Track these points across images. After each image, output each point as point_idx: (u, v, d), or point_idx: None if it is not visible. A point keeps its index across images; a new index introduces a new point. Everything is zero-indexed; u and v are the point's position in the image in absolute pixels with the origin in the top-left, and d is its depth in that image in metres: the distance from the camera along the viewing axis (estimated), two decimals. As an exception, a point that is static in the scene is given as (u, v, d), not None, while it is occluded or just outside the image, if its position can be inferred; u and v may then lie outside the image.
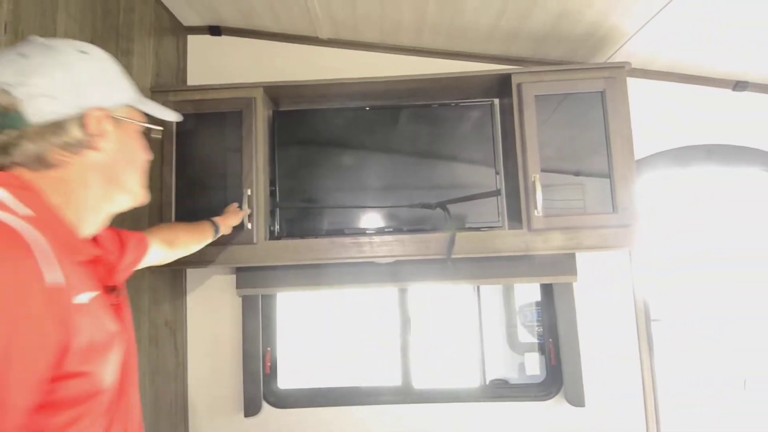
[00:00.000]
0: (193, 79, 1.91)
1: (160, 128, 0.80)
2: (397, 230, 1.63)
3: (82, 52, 0.66)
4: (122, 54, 1.46)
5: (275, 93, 1.73)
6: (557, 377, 1.75)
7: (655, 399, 1.73)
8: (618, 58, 1.72)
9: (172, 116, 0.80)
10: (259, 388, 1.73)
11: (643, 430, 1.71)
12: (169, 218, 1.60)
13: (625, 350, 1.75)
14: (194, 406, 1.76)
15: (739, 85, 1.78)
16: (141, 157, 0.75)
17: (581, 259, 1.74)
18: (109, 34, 1.40)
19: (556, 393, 1.74)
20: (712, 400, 1.91)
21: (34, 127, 0.59)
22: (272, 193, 1.69)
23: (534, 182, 1.56)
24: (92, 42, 1.28)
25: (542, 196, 1.59)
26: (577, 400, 1.67)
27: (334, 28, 1.79)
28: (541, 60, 1.83)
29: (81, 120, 0.63)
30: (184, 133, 1.82)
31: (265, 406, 1.77)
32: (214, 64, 1.92)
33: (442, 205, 1.63)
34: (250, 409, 1.72)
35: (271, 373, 1.82)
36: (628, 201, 1.52)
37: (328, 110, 1.74)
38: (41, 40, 0.64)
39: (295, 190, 1.69)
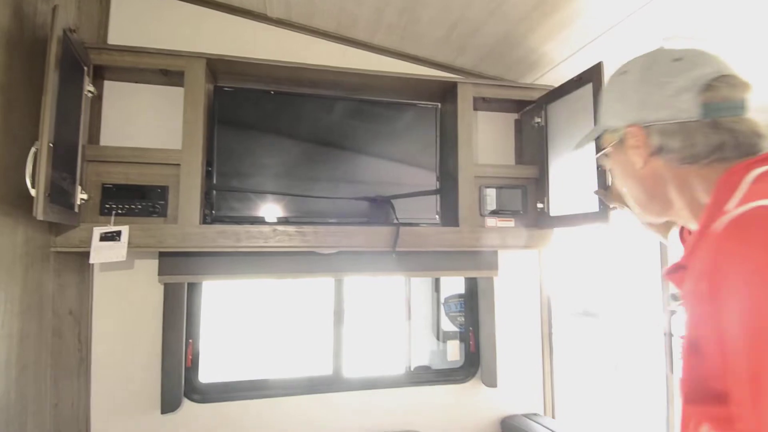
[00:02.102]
0: (115, 38, 1.69)
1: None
2: (344, 222, 1.64)
3: None
4: (43, 0, 1.24)
5: (217, 66, 1.62)
6: (475, 362, 1.93)
7: (552, 379, 2.00)
8: (543, 82, 1.93)
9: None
10: (180, 382, 1.61)
11: (541, 405, 1.97)
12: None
13: (530, 338, 1.99)
14: (99, 404, 1.57)
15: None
16: None
17: (501, 255, 1.93)
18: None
19: (473, 376, 1.91)
20: (593, 379, 2.29)
21: None
22: (208, 175, 1.58)
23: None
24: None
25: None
26: (490, 381, 1.86)
27: (287, 9, 1.73)
28: (480, 74, 1.98)
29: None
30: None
31: (185, 401, 1.65)
32: (140, 25, 1.71)
33: (388, 200, 1.68)
34: (169, 405, 1.59)
35: (193, 366, 1.71)
36: (546, 207, 1.73)
37: (276, 93, 1.67)
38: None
39: (234, 174, 1.60)
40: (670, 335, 2.14)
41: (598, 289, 2.49)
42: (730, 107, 0.62)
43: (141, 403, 1.60)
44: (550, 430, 1.72)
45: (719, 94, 0.62)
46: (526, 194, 1.81)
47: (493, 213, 1.78)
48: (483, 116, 2.00)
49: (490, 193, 1.78)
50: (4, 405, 1.11)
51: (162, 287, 1.63)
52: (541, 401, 1.97)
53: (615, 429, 2.46)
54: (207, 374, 1.74)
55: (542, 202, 1.75)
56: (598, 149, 0.77)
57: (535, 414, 1.92)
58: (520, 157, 1.97)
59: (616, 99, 0.71)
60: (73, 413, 1.48)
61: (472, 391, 1.91)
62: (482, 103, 1.90)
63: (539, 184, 1.79)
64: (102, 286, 1.61)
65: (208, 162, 1.57)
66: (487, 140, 2.00)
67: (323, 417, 1.76)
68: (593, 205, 1.44)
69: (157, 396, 1.59)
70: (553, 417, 1.97)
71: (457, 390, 1.90)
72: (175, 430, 1.62)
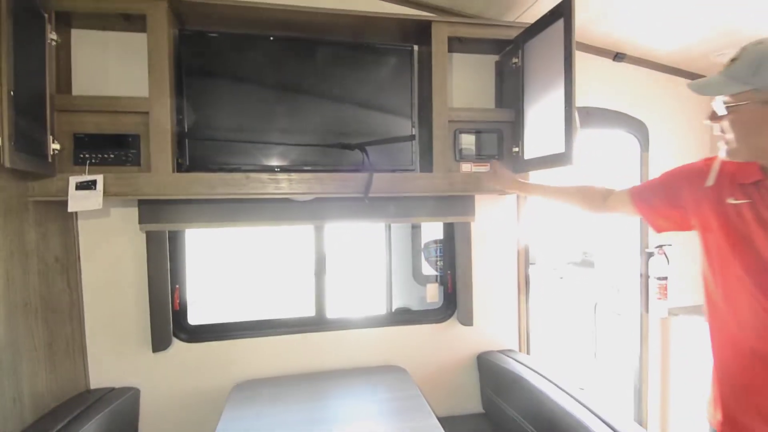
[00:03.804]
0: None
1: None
2: (317, 169, 1.66)
3: None
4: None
5: (181, 9, 1.57)
6: (452, 303, 2.01)
7: (527, 319, 2.08)
8: (524, 19, 1.86)
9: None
10: (168, 324, 1.70)
11: (516, 344, 2.06)
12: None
13: (507, 281, 2.05)
14: (95, 344, 1.68)
15: (618, 56, 2.06)
16: None
17: (479, 201, 1.95)
18: None
19: (451, 316, 2.00)
20: (570, 320, 2.38)
21: None
22: (180, 123, 1.58)
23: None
24: None
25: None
26: (466, 320, 1.94)
27: (251, -55, 1.64)
28: (459, 12, 1.90)
29: None
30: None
31: (175, 341, 1.76)
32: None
33: (361, 147, 1.68)
34: (159, 344, 1.69)
35: (181, 310, 1.80)
36: (521, 151, 1.73)
37: (244, 36, 1.63)
38: None
39: (206, 122, 1.60)
40: (647, 276, 2.19)
41: (583, 236, 2.54)
42: None
43: (134, 342, 1.71)
44: (522, 363, 1.82)
45: None
46: (502, 138, 1.80)
47: (469, 158, 1.78)
48: (462, 58, 1.94)
49: (466, 138, 1.77)
50: (-6, 341, 1.20)
51: (144, 235, 1.68)
52: (516, 339, 2.07)
53: (587, 364, 2.59)
54: (196, 316, 1.84)
55: (518, 146, 1.74)
56: (723, 102, 0.98)
57: (509, 350, 2.02)
58: (500, 101, 1.94)
59: None
60: (69, 352, 1.59)
61: (449, 329, 2.00)
62: (460, 44, 1.84)
63: (515, 128, 1.77)
64: (87, 235, 1.67)
65: (179, 110, 1.57)
66: (466, 84, 1.95)
67: (307, 353, 1.87)
68: (560, 146, 1.44)
69: (149, 336, 1.69)
70: (528, 353, 2.08)
71: (436, 329, 1.99)
72: (167, 366, 1.74)
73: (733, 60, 0.97)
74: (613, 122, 2.10)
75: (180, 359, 1.75)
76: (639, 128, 2.14)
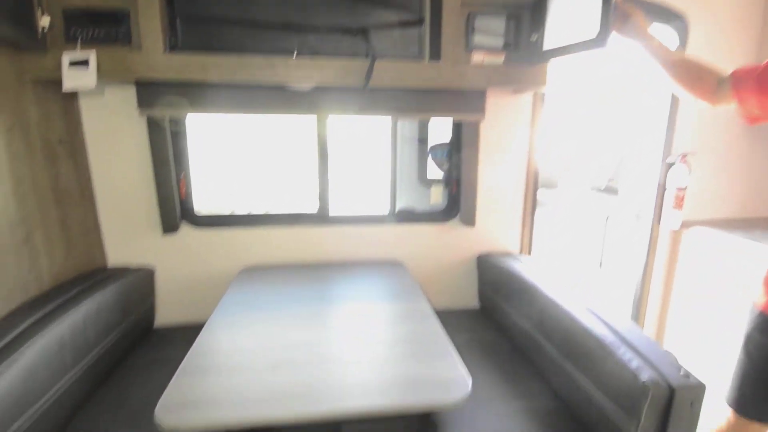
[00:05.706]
0: None
1: None
2: (315, 54, 1.56)
3: None
4: None
5: None
6: (456, 204, 1.99)
7: (531, 225, 2.06)
8: None
9: None
10: (176, 209, 1.76)
11: (518, 248, 2.07)
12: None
13: (514, 186, 2.00)
14: (108, 225, 1.77)
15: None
16: None
17: (490, 100, 1.83)
18: None
19: (454, 217, 2.00)
20: (581, 228, 2.35)
21: None
22: (170, 1, 1.49)
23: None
24: None
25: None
26: (468, 221, 1.94)
27: None
28: None
29: None
30: None
31: (184, 225, 1.83)
32: None
33: (364, 31, 1.57)
34: (168, 227, 1.76)
35: (187, 199, 1.84)
36: (540, 39, 1.57)
37: None
38: None
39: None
40: (663, 187, 2.10)
41: (610, 159, 2.40)
42: None
43: (145, 224, 1.78)
44: (519, 262, 1.83)
45: None
46: (521, 25, 1.64)
47: (481, 47, 1.64)
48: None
49: (480, 23, 1.62)
50: (3, 211, 1.26)
51: (145, 119, 1.67)
52: (518, 244, 2.07)
53: (591, 271, 2.59)
54: (201, 206, 1.89)
55: (537, 32, 1.58)
56: None
57: (509, 253, 2.04)
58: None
59: None
60: (83, 231, 1.68)
61: (451, 230, 2.01)
62: None
63: (535, 12, 1.59)
64: (90, 118, 1.67)
65: (170, -16, 1.47)
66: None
67: (310, 247, 1.93)
68: (592, 31, 1.29)
69: (158, 218, 1.76)
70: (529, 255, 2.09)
71: (438, 228, 2.01)
72: (178, 248, 1.83)
73: None
74: (647, 13, 1.87)
75: (189, 242, 1.84)
76: (678, 21, 1.91)
